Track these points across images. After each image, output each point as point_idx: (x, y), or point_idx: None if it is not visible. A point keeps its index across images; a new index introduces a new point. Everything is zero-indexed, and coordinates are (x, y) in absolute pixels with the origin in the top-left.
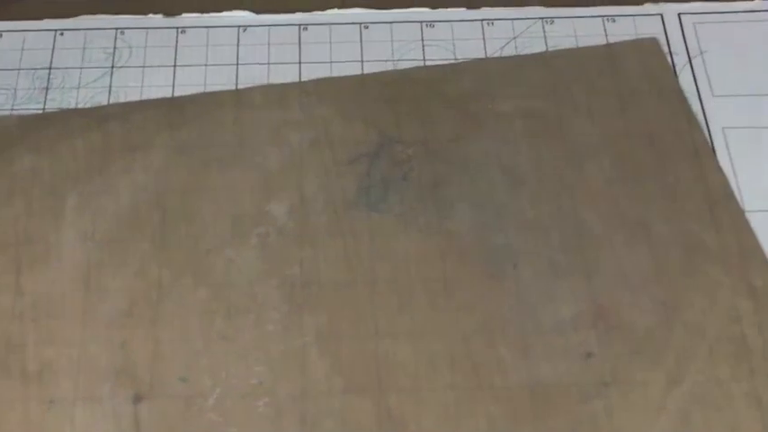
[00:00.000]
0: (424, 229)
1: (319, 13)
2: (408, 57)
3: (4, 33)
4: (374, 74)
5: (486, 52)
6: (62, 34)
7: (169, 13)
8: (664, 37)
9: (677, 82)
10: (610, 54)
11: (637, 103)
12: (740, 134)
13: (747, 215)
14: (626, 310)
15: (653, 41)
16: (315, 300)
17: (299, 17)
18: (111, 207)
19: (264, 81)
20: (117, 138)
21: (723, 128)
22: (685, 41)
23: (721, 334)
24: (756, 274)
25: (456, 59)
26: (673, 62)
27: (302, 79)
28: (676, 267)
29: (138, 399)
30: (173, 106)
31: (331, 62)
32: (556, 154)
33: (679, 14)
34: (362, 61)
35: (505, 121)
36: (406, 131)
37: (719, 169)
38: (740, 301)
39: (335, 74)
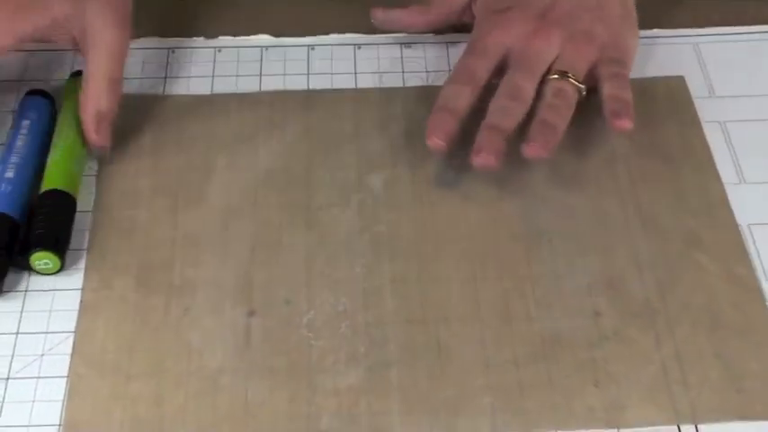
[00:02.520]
0: (483, 206)
1: (323, 36)
2: (391, 70)
3: None
4: None
5: (449, 66)
6: None
7: (209, 36)
8: None
9: (696, 113)
10: (645, 85)
11: (662, 126)
12: None
13: None
14: (631, 283)
15: (680, 79)
16: (394, 252)
17: (307, 40)
18: (251, 168)
19: (281, 88)
20: (263, 116)
21: None
22: None
23: (703, 309)
24: (738, 265)
25: (427, 72)
26: None
27: (310, 87)
28: (675, 254)
29: (251, 313)
30: (308, 96)
31: (332, 74)
32: (593, 158)
33: None
34: (356, 73)
35: None
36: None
37: (720, 181)
38: (722, 284)
39: (335, 84)
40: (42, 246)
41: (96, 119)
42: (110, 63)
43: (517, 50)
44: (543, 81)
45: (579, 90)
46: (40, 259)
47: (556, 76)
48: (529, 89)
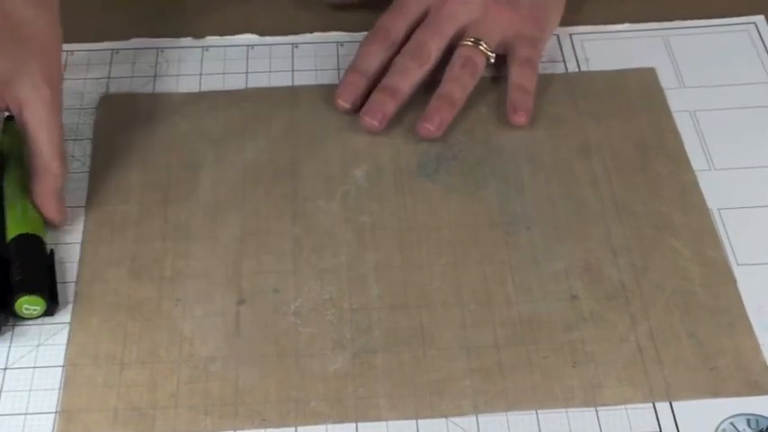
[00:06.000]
0: (463, 195)
1: (307, 35)
2: None
3: (75, 51)
4: None
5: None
6: (117, 53)
7: (196, 36)
8: (559, 51)
9: (667, 103)
10: (618, 77)
11: (634, 116)
12: None
13: None
14: (606, 267)
15: (651, 70)
16: (377, 241)
17: (291, 38)
18: (238, 163)
19: (267, 85)
20: (249, 112)
21: None
22: (575, 53)
23: (676, 290)
24: (708, 247)
25: None
26: (566, 67)
27: (295, 84)
28: (648, 238)
29: (240, 302)
30: (292, 93)
31: (315, 70)
32: (569, 148)
33: (570, 35)
34: (338, 69)
35: (533, 122)
36: (460, 123)
37: (691, 169)
38: (693, 266)
39: (319, 80)
40: (25, 291)
41: (56, 198)
42: (51, 117)
43: (434, 9)
44: (456, 45)
45: (488, 58)
46: (28, 303)
47: (469, 42)
48: (433, 48)
